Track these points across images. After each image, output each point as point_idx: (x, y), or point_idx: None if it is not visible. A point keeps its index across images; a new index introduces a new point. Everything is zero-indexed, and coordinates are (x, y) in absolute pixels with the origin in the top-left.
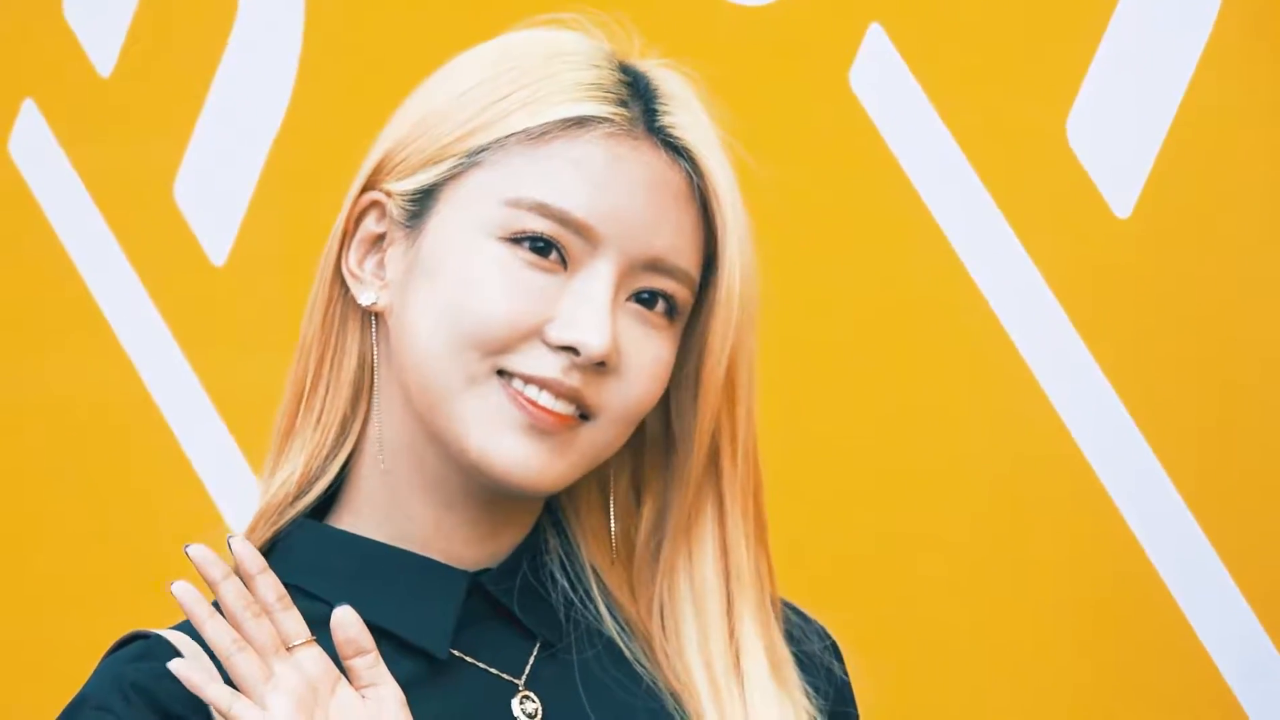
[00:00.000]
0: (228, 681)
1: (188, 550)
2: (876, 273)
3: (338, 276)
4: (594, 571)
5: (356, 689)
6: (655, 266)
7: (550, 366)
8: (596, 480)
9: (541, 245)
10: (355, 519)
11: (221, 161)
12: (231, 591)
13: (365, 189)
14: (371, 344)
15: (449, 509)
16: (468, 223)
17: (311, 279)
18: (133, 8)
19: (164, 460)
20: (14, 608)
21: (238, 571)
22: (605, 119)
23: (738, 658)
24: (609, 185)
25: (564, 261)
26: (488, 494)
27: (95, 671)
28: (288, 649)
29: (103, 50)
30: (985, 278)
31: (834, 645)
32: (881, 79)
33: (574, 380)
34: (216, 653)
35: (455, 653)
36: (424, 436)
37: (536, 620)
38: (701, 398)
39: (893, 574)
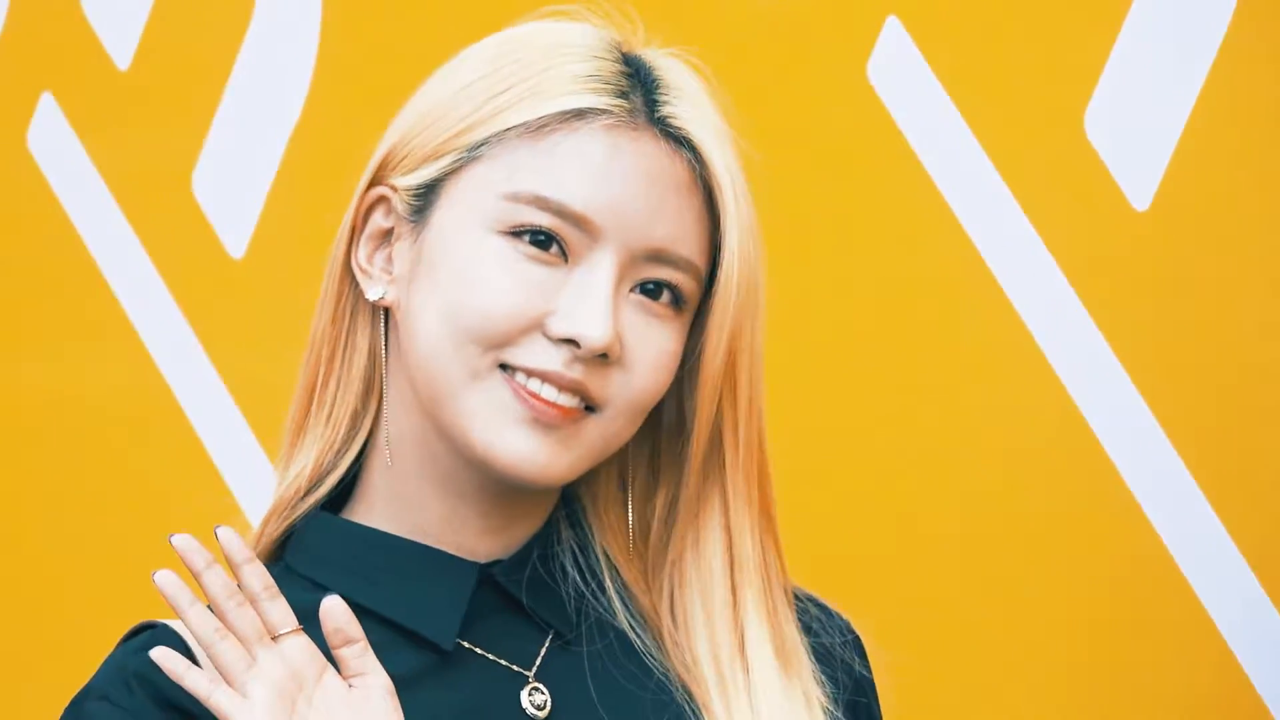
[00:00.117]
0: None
1: (171, 540)
2: (894, 265)
3: (347, 271)
4: (610, 563)
5: (345, 678)
6: (657, 257)
7: (552, 359)
8: (616, 471)
9: (541, 238)
10: (369, 512)
11: (239, 154)
12: (214, 580)
13: (372, 184)
14: (381, 339)
15: (460, 501)
16: (468, 217)
17: None
18: (150, 1)
19: (181, 451)
20: (34, 602)
21: (229, 561)
22: (603, 110)
23: (743, 646)
24: (607, 177)
25: (564, 254)
26: (498, 487)
27: (104, 662)
28: (273, 638)
29: (120, 43)
30: (1003, 270)
31: (856, 640)
32: (899, 71)
33: (576, 373)
34: (198, 641)
35: (465, 644)
36: (433, 431)
37: (548, 612)
38: (701, 386)
39: (909, 566)
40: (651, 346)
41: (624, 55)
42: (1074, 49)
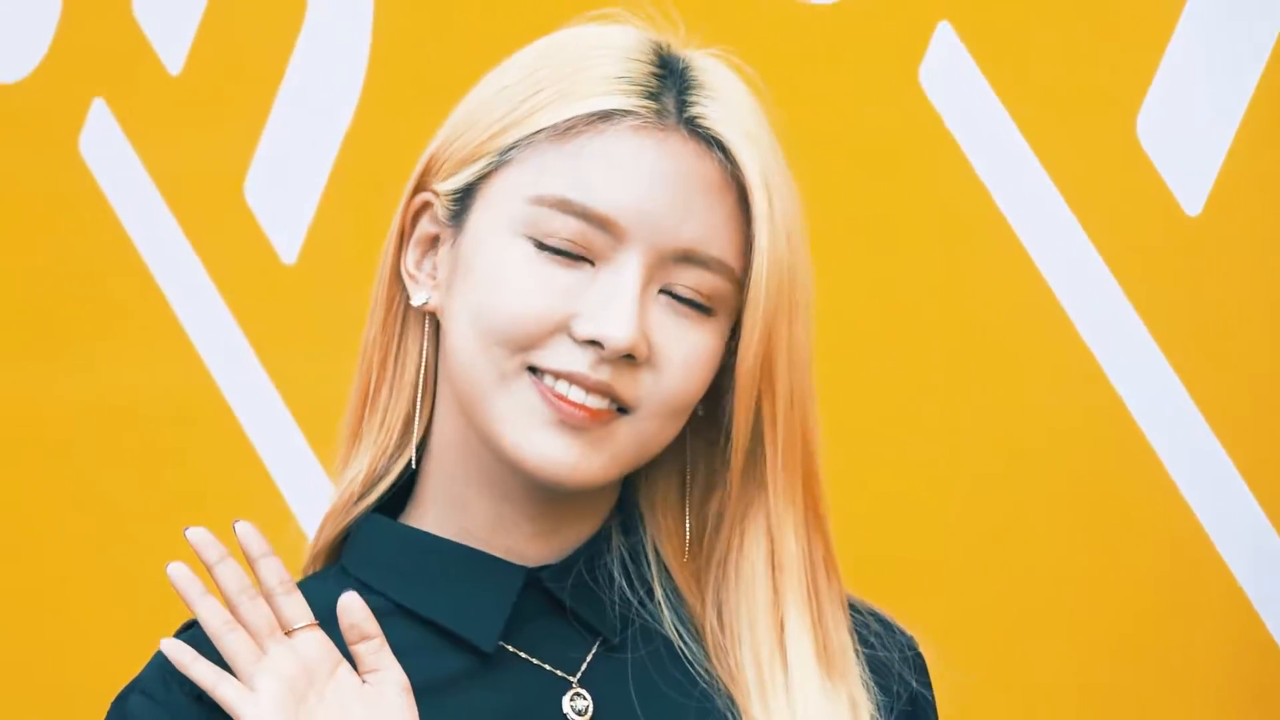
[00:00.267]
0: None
1: (186, 533)
2: (946, 270)
3: (396, 277)
4: (663, 568)
5: (361, 674)
6: (687, 258)
7: (578, 361)
8: (677, 475)
9: (563, 244)
10: (421, 515)
11: (292, 159)
12: (227, 574)
13: (417, 190)
14: (430, 345)
15: (507, 505)
16: (498, 221)
17: None
18: (202, 5)
19: (233, 457)
20: (88, 604)
21: (246, 556)
22: (629, 112)
23: (783, 645)
24: (632, 178)
25: (591, 256)
26: (543, 490)
27: (151, 658)
28: (288, 633)
29: (172, 48)
30: (1055, 275)
31: (917, 656)
32: (950, 76)
33: (603, 374)
34: (209, 633)
35: (509, 648)
36: (477, 434)
37: (594, 617)
38: (735, 386)
39: (964, 573)
40: (683, 346)
41: (661, 57)
42: (1126, 54)
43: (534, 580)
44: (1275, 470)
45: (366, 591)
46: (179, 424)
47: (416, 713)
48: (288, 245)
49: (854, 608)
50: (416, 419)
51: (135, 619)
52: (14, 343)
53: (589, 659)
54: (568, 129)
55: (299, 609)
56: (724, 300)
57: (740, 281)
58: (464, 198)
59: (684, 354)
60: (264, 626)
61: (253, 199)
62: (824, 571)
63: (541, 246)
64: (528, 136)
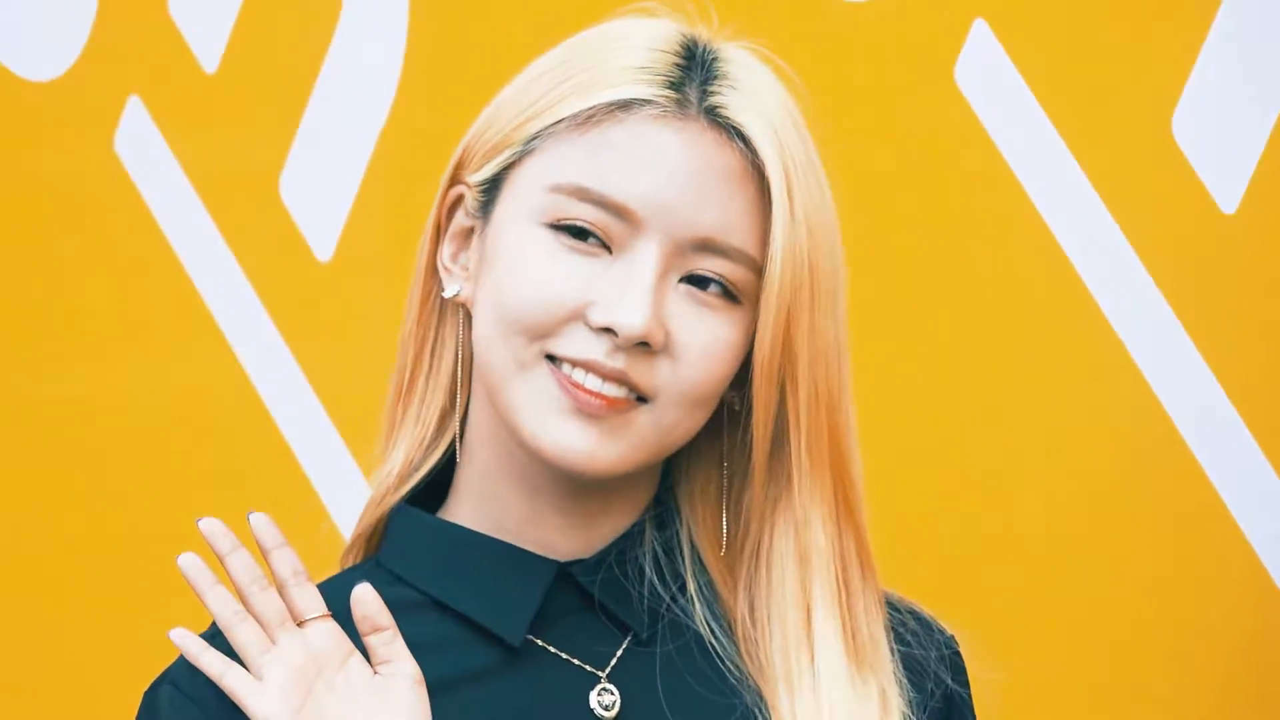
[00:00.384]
0: None
1: (199, 524)
2: (982, 268)
3: (432, 271)
4: (698, 563)
5: (374, 666)
6: (706, 247)
7: (593, 349)
8: (715, 469)
9: (578, 231)
10: (456, 508)
11: (327, 157)
12: (238, 564)
13: (452, 183)
14: (464, 336)
15: (538, 498)
16: (519, 210)
17: None
18: (238, 3)
19: (269, 454)
20: (123, 598)
21: (260, 548)
22: (649, 101)
23: (810, 637)
24: (649, 167)
25: (608, 244)
26: (573, 483)
27: None
28: (299, 624)
29: (208, 46)
30: (1091, 273)
31: (955, 655)
32: (986, 74)
33: (618, 362)
34: (218, 623)
35: (538, 642)
36: (506, 426)
37: (625, 613)
38: (754, 378)
39: (1000, 571)
40: (702, 335)
41: (687, 48)
42: (1162, 52)
43: (565, 574)
44: None
45: (399, 584)
46: (214, 421)
47: (428, 705)
48: (323, 243)
49: (893, 605)
50: (455, 412)
51: (169, 616)
52: (50, 340)
53: (619, 654)
54: (588, 118)
55: (312, 600)
56: (746, 290)
57: (763, 271)
58: (491, 189)
59: (703, 343)
60: (275, 617)
61: (288, 196)
62: (856, 565)
63: (558, 235)
64: (550, 126)
